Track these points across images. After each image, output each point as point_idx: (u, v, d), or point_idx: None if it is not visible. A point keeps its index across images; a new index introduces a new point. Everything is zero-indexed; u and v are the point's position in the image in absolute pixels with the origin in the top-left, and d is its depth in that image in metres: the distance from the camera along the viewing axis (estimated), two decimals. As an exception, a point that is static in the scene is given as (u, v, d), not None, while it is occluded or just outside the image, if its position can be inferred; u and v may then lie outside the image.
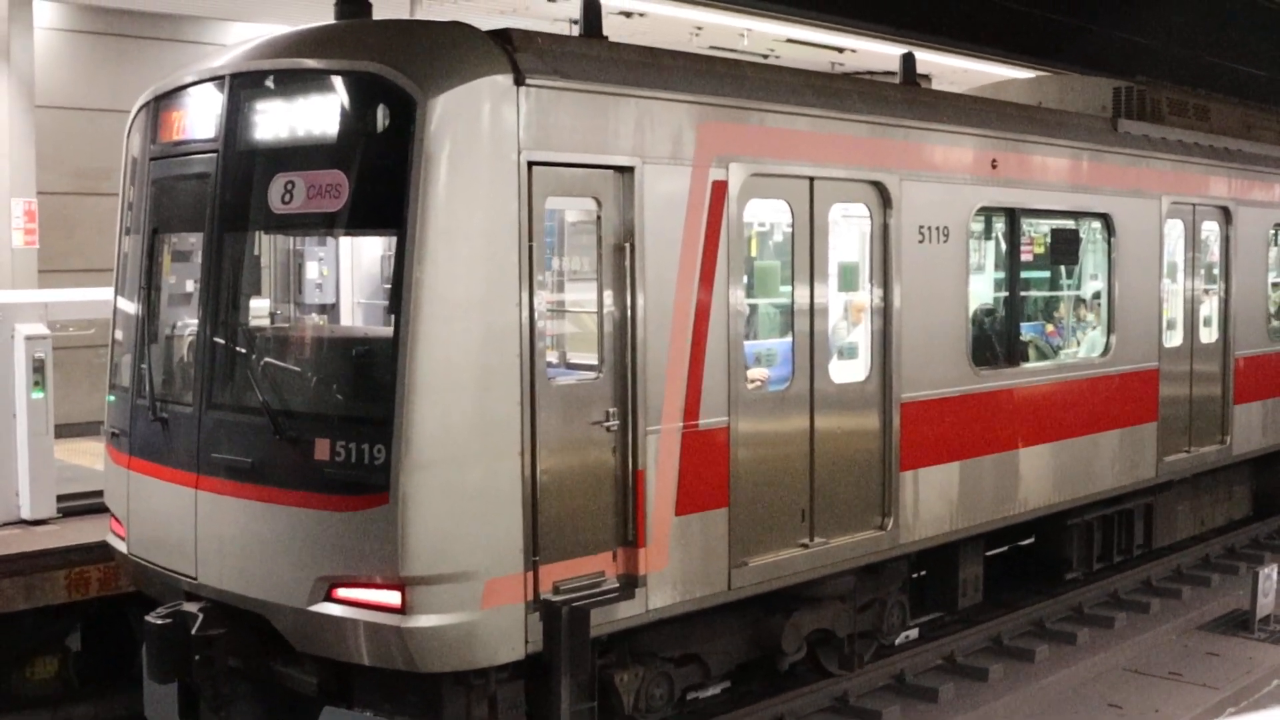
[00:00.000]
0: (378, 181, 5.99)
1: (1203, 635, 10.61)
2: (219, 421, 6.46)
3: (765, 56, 16.21)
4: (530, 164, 6.09)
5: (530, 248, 6.07)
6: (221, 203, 6.50)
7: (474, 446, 5.92)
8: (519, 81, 6.05)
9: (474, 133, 5.94)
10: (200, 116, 6.71)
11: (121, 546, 7.28)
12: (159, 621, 6.44)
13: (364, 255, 7.72)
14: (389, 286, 6.17)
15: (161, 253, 7.10)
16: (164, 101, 7.07)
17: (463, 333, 5.90)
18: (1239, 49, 20.51)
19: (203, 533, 6.50)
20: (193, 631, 6.33)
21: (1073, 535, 10.43)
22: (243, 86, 6.48)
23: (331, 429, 5.99)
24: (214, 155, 6.54)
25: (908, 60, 9.32)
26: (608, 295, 6.55)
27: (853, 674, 8.48)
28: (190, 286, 7.04)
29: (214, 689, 6.43)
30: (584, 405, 6.44)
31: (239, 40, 7.46)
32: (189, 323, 6.98)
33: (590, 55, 6.65)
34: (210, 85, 6.67)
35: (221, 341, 6.55)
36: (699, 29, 14.71)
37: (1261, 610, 10.52)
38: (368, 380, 6.23)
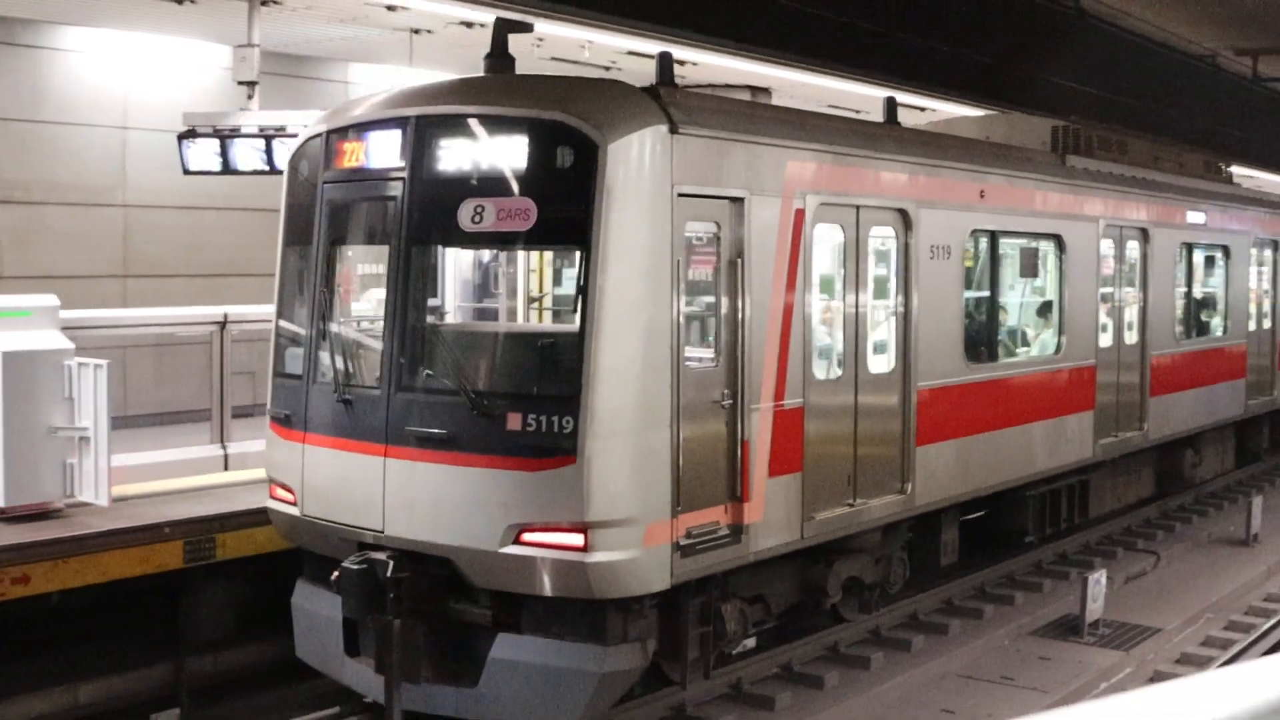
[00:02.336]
0: (564, 208, 7.52)
1: (1035, 640, 10.86)
2: (408, 401, 7.87)
3: (607, 69, 16.31)
4: (679, 195, 7.70)
5: (678, 261, 7.68)
6: (410, 221, 7.91)
7: (639, 419, 7.49)
8: (673, 130, 7.64)
9: (641, 171, 7.52)
10: (383, 149, 8.12)
11: (291, 510, 8.63)
12: (356, 567, 7.83)
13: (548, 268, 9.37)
14: (567, 292, 7.70)
15: (337, 263, 8.53)
16: (338, 135, 8.46)
17: (631, 329, 7.47)
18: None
19: (391, 493, 7.89)
20: (387, 575, 7.78)
21: (1029, 505, 12.37)
22: (429, 126, 7.92)
23: (523, 405, 7.51)
24: (401, 181, 7.97)
25: (890, 103, 11.12)
26: (724, 299, 8.18)
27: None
28: (360, 287, 8.49)
29: (396, 626, 7.81)
30: (708, 387, 8.05)
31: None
32: (370, 319, 8.42)
33: (716, 108, 8.32)
34: (393, 124, 8.11)
35: (411, 335, 7.99)
36: (540, 40, 14.13)
37: (1091, 615, 10.79)
38: (555, 366, 7.74)
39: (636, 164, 7.49)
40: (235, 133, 13.12)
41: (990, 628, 11.03)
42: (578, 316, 7.44)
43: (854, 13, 15.89)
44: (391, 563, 7.72)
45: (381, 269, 8.35)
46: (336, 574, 7.97)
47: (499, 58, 8.45)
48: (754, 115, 8.67)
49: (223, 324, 11.66)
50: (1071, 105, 17.98)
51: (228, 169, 13.23)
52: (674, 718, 8.64)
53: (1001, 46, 18.95)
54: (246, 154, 13.07)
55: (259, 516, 9.36)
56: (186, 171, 13.44)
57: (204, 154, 13.24)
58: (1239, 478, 17.83)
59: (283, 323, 8.88)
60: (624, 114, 7.59)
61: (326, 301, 8.47)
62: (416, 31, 14.46)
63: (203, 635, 9.98)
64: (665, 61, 8.60)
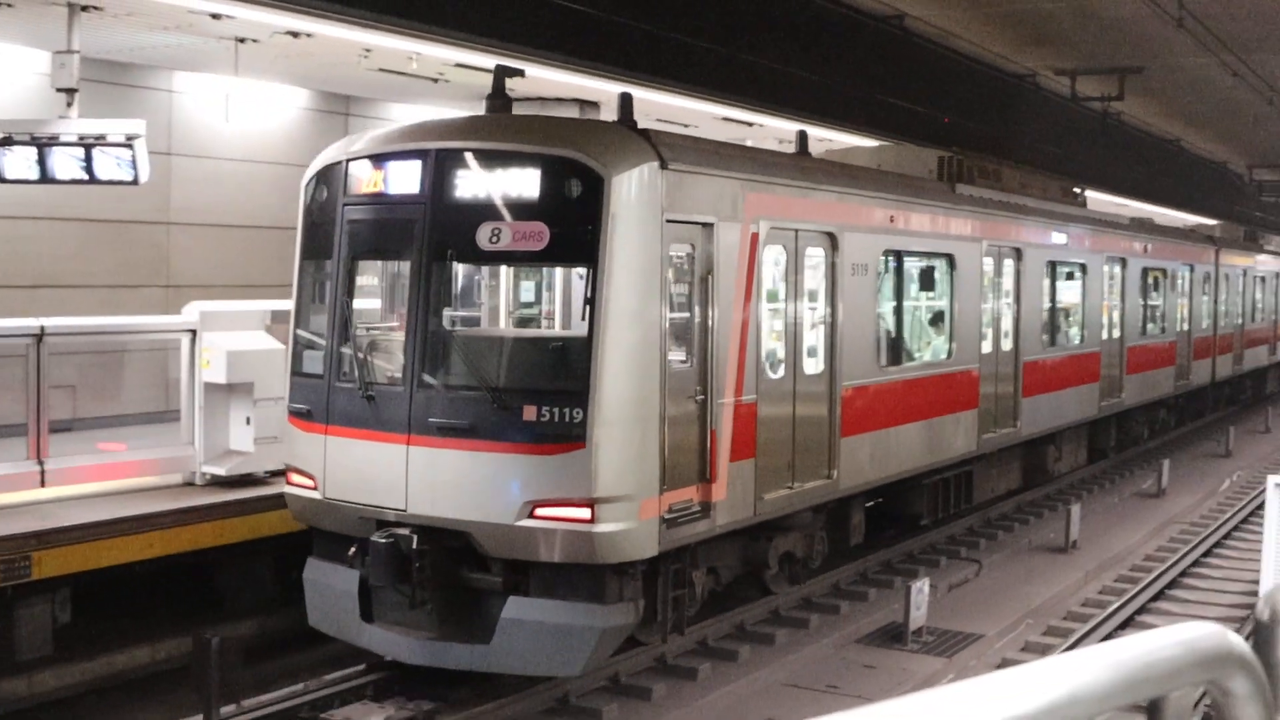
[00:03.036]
0: (573, 230, 8.87)
1: (860, 648, 11.03)
2: (429, 396, 9.11)
3: (435, 80, 16.36)
4: (666, 220, 9.10)
5: (665, 277, 9.06)
6: (431, 240, 9.15)
7: (636, 410, 8.86)
8: (663, 166, 9.07)
9: (639, 200, 8.91)
10: (404, 177, 9.34)
11: (312, 494, 9.71)
12: (384, 541, 8.99)
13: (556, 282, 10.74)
14: (577, 305, 9.06)
15: (357, 277, 9.69)
16: (356, 164, 9.64)
17: (631, 334, 8.85)
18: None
19: (414, 476, 9.10)
20: (411, 547, 8.97)
21: (924, 492, 14.04)
22: (448, 158, 9.18)
23: (537, 398, 8.80)
24: (421, 205, 9.21)
25: (802, 135, 12.63)
26: (696, 309, 9.60)
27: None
28: (375, 297, 9.69)
29: (420, 594, 9.04)
30: (686, 384, 9.47)
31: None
32: (389, 325, 9.60)
33: (694, 147, 9.79)
34: (414, 156, 9.33)
35: (433, 339, 9.21)
36: (368, 51, 14.24)
37: (914, 622, 11.00)
38: (566, 365, 9.06)
39: (635, 194, 8.89)
40: (54, 141, 12.60)
41: (816, 637, 11.23)
42: (586, 324, 8.80)
43: (683, 28, 15.85)
44: (415, 537, 8.95)
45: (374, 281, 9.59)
46: (354, 549, 9.20)
47: (499, 98, 9.84)
48: (720, 153, 10.18)
49: (39, 336, 11.01)
50: (898, 124, 19.53)
51: (45, 178, 12.71)
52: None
53: (831, 65, 18.93)
54: (65, 163, 12.58)
55: (83, 533, 9.84)
56: (1, 180, 12.86)
57: (20, 162, 12.67)
58: (1064, 484, 19.18)
59: (300, 329, 10.02)
60: (624, 152, 8.99)
61: (348, 309, 9.66)
62: (242, 40, 14.13)
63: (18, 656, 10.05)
64: (626, 102, 10.03)
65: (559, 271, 10.40)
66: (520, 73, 10.28)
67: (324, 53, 14.52)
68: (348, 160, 9.71)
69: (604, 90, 16.10)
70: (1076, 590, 13.53)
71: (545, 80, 15.06)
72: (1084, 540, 15.20)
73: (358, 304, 9.82)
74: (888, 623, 11.65)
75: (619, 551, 8.84)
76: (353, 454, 9.44)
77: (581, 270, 9.21)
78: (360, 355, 9.50)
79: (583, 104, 14.82)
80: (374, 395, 9.34)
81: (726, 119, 18.65)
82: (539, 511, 8.76)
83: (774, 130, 19.75)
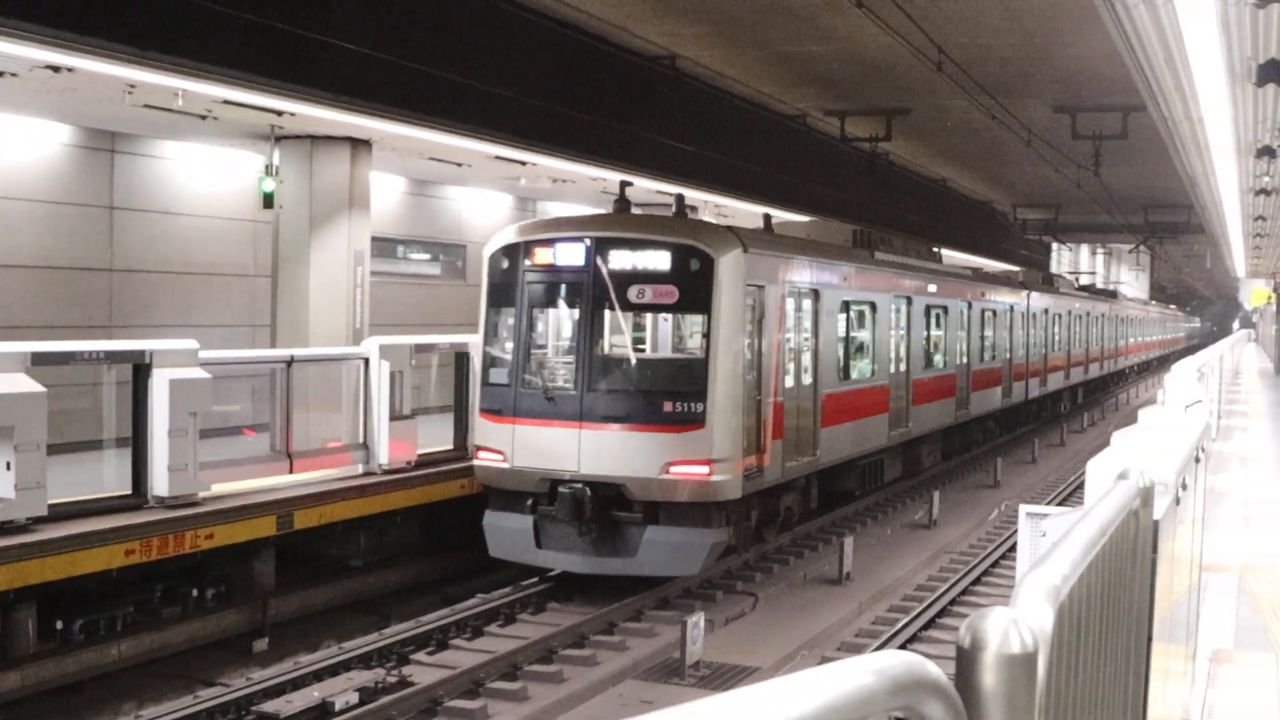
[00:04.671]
0: (694, 291, 13.82)
1: (638, 684, 11.19)
2: (595, 396, 13.81)
3: (203, 117, 16.36)
4: (745, 284, 14.12)
5: (745, 321, 14.16)
6: (593, 296, 13.93)
7: (732, 404, 13.74)
8: (744, 251, 14.10)
9: (733, 273, 13.87)
10: (570, 254, 14.13)
11: (501, 465, 14.19)
12: (568, 491, 13.58)
13: (673, 323, 15.77)
14: (697, 335, 14.29)
15: (536, 319, 14.63)
16: (532, 243, 14.41)
17: (728, 357, 13.75)
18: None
19: (584, 449, 13.78)
20: (586, 496, 13.79)
21: (855, 473, 19.47)
22: (604, 243, 13.98)
23: (672, 396, 13.70)
24: (585, 273, 14.02)
25: (767, 218, 17.82)
26: (756, 340, 14.60)
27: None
28: (551, 334, 14.86)
29: (589, 526, 13.70)
30: (752, 389, 14.41)
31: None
32: (561, 349, 14.59)
33: (758, 239, 15.04)
34: (577, 240, 14.17)
35: (596, 359, 13.99)
36: (132, 87, 14.02)
37: (691, 656, 11.20)
38: (690, 376, 13.91)
39: (732, 269, 13.92)
40: None
41: (596, 670, 11.61)
42: (705, 347, 13.84)
43: (454, 69, 16.02)
44: (588, 490, 13.79)
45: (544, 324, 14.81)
46: (531, 500, 13.86)
47: (624, 202, 15.37)
48: (767, 240, 15.67)
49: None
50: (668, 163, 20.71)
51: None
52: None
53: (604, 104, 19.23)
54: None
55: None
56: None
57: None
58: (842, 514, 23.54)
59: (490, 351, 14.72)
60: (726, 242, 14.08)
61: (530, 342, 14.50)
62: (1, 74, 13.91)
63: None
64: (680, 201, 15.23)
65: (685, 316, 15.32)
66: (628, 183, 15.47)
67: (85, 88, 14.36)
68: (524, 241, 14.52)
69: (377, 129, 16.89)
70: (851, 621, 13.91)
71: (318, 119, 15.93)
72: (858, 572, 15.46)
73: (535, 337, 14.73)
74: (666, 658, 11.96)
75: (724, 494, 13.78)
76: (536, 436, 14.07)
77: (699, 316, 14.26)
78: (543, 371, 14.41)
79: (355, 141, 18.04)
80: (553, 397, 14.09)
81: (499, 158, 19.49)
82: (672, 469, 13.62)
83: (546, 169, 21.11)
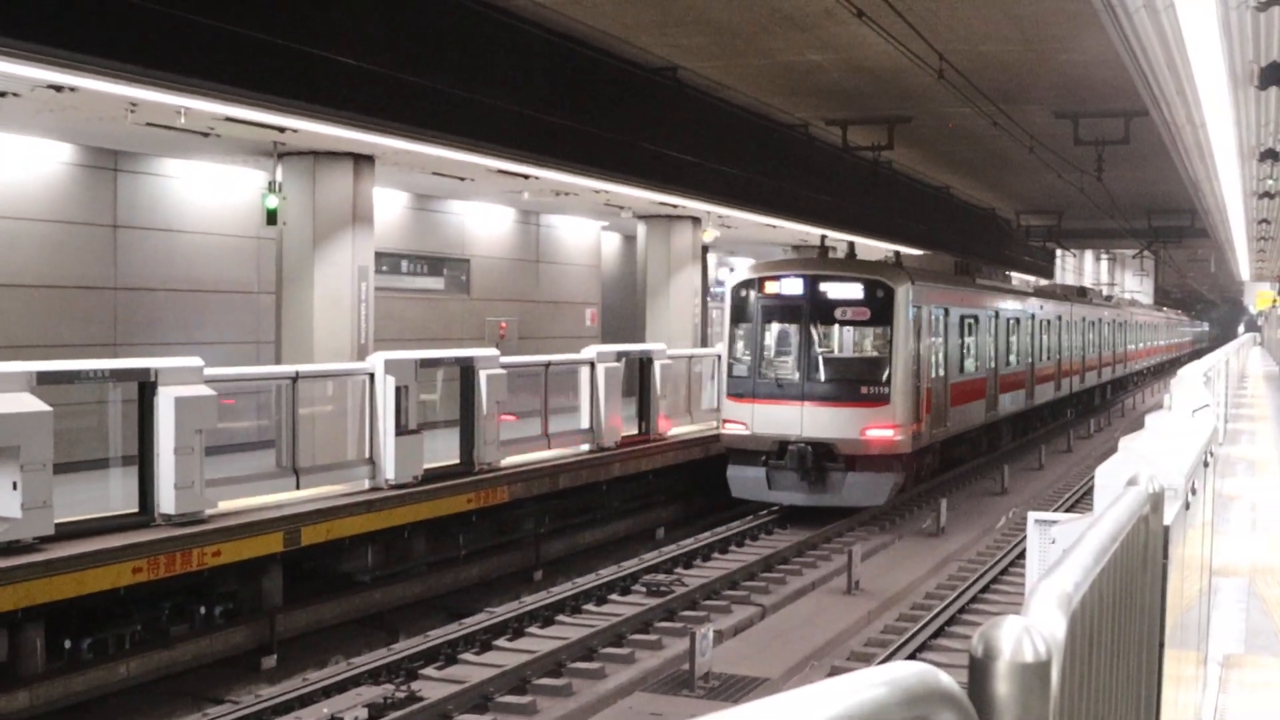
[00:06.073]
0: (880, 311, 19.69)
1: (647, 696, 11.01)
2: (813, 383, 19.55)
3: (206, 135, 16.41)
4: (912, 305, 20.00)
5: (912, 330, 19.96)
6: (809, 315, 19.83)
7: (905, 387, 19.78)
8: (912, 283, 20.24)
9: (905, 298, 19.79)
10: (792, 287, 19.93)
11: (744, 432, 19.67)
12: (795, 449, 19.12)
13: (859, 333, 21.03)
14: (882, 340, 20.18)
15: (768, 331, 20.32)
16: (764, 279, 20.18)
17: (903, 355, 19.73)
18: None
19: (805, 419, 19.38)
20: (808, 450, 19.11)
21: (963, 444, 25.50)
22: (816, 278, 19.90)
23: (868, 382, 19.57)
24: (804, 299, 19.80)
25: (823, 240, 21.70)
26: (916, 343, 20.20)
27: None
28: (779, 341, 20.63)
29: (809, 473, 19.14)
30: (916, 377, 20.11)
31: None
32: (788, 350, 20.23)
33: (921, 272, 22.08)
34: (797, 278, 19.94)
35: (813, 357, 19.70)
36: (134, 105, 14.05)
37: (701, 668, 11.04)
38: (878, 368, 19.69)
39: (904, 295, 19.83)
40: None
41: (605, 684, 11.49)
42: (888, 348, 19.77)
43: (456, 83, 16.14)
44: (810, 448, 19.20)
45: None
46: (764, 456, 19.50)
47: (825, 249, 22.00)
48: (922, 274, 21.69)
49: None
50: (670, 174, 21.19)
51: None
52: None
53: (604, 115, 19.45)
54: None
55: None
56: None
57: None
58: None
59: (733, 357, 20.52)
60: (901, 277, 20.07)
61: (764, 347, 20.26)
62: (3, 94, 13.91)
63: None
64: (851, 248, 20.22)
65: (876, 328, 20.46)
66: (826, 236, 21.52)
67: (87, 106, 14.35)
68: (758, 277, 20.49)
69: (379, 144, 16.75)
70: (859, 630, 13.70)
71: (321, 135, 15.89)
72: (866, 580, 15.31)
73: (767, 343, 20.60)
74: (675, 669, 11.76)
75: (901, 449, 19.79)
76: (770, 411, 19.79)
77: (883, 328, 20.01)
78: (774, 366, 20.20)
79: (357, 158, 18.01)
80: (781, 384, 19.90)
81: (502, 171, 19.62)
82: (867, 432, 19.44)
83: (549, 182, 21.27)
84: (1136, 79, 13.62)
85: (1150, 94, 14.03)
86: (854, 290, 19.80)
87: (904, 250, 26.00)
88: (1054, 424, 35.43)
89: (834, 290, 19.82)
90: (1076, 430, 34.25)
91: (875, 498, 19.62)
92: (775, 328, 20.54)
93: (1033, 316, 30.70)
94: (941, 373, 22.03)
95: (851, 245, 23.21)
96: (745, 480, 19.86)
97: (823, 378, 19.70)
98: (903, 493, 20.87)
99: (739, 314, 20.50)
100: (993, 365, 26.35)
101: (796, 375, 19.73)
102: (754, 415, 19.82)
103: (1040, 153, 27.61)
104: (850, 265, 21.04)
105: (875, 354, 20.43)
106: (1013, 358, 28.53)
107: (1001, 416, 27.71)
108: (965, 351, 24.10)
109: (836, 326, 20.56)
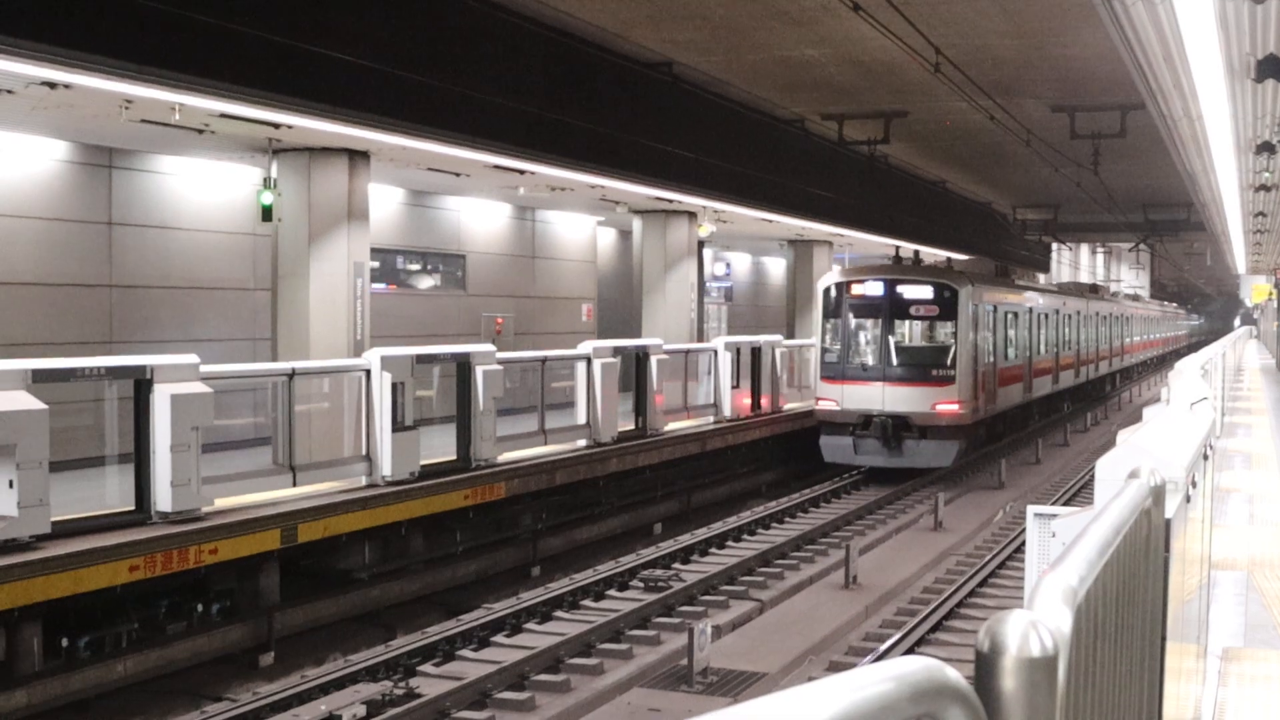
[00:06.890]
0: (947, 308, 24.09)
1: (646, 692, 10.93)
2: (891, 367, 23.90)
3: (201, 131, 16.25)
4: (971, 303, 24.26)
5: (971, 322, 24.30)
6: (888, 312, 24.09)
7: (968, 371, 24.11)
8: (972, 285, 25.17)
9: (966, 299, 24.23)
10: (875, 289, 24.19)
11: (835, 407, 23.98)
12: (878, 420, 23.50)
13: (929, 326, 25.15)
14: (948, 332, 24.54)
15: (854, 324, 24.50)
16: (850, 283, 24.40)
17: (964, 344, 24.08)
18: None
19: (886, 396, 23.73)
20: (889, 421, 23.52)
21: (1005, 420, 29.09)
22: (895, 282, 24.18)
23: (936, 366, 23.94)
24: (883, 299, 24.08)
25: (897, 250, 24.36)
26: (974, 334, 24.52)
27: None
28: (864, 332, 24.92)
29: (889, 441, 23.49)
30: (974, 363, 24.33)
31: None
32: (871, 340, 24.43)
33: (978, 274, 26.91)
34: (879, 282, 24.18)
35: (892, 346, 24.05)
36: (129, 102, 13.83)
37: (699, 663, 10.94)
38: (944, 355, 24.03)
39: (967, 296, 24.12)
40: None
41: (603, 679, 11.42)
42: (954, 339, 24.07)
43: (451, 79, 15.96)
44: (890, 421, 23.45)
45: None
46: (852, 428, 23.70)
47: (898, 259, 26.24)
48: (978, 278, 25.85)
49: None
50: (666, 169, 21.00)
51: None
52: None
53: (601, 111, 19.25)
54: None
55: None
56: None
57: None
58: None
59: (825, 346, 24.64)
60: (962, 280, 24.32)
61: (852, 338, 24.28)
62: None
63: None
64: (917, 255, 23.44)
65: (942, 323, 24.42)
66: (900, 247, 24.79)
67: (83, 103, 14.13)
68: (846, 280, 24.51)
69: (375, 140, 16.52)
70: (858, 624, 13.63)
71: (316, 131, 15.64)
72: (864, 575, 15.18)
73: (854, 334, 24.56)
74: (673, 665, 11.65)
75: (964, 420, 23.76)
76: (856, 390, 23.87)
77: (950, 322, 24.06)
78: (860, 353, 24.11)
79: (352, 154, 17.79)
80: (866, 368, 23.93)
81: (497, 167, 19.42)
82: (937, 407, 23.50)
83: (545, 178, 21.00)
84: (1133, 72, 13.61)
85: (1147, 87, 14.02)
86: (925, 291, 23.99)
87: (954, 256, 32.19)
88: (1075, 407, 39.78)
89: (909, 291, 23.99)
90: (1073, 425, 34.66)
91: (943, 460, 23.57)
92: (861, 322, 24.55)
93: (1057, 311, 34.81)
94: (991, 359, 26.00)
95: (917, 253, 27.57)
96: (836, 447, 23.99)
97: (899, 362, 23.85)
98: (964, 456, 24.86)
99: (830, 310, 24.62)
100: (1028, 354, 30.60)
101: (878, 360, 23.88)
102: (843, 394, 24.07)
103: (1036, 146, 27.73)
104: (921, 270, 25.46)
105: (943, 343, 24.48)
106: (1043, 348, 32.81)
107: (1035, 398, 31.89)
108: (1008, 342, 28.30)
109: (910, 321, 24.60)
